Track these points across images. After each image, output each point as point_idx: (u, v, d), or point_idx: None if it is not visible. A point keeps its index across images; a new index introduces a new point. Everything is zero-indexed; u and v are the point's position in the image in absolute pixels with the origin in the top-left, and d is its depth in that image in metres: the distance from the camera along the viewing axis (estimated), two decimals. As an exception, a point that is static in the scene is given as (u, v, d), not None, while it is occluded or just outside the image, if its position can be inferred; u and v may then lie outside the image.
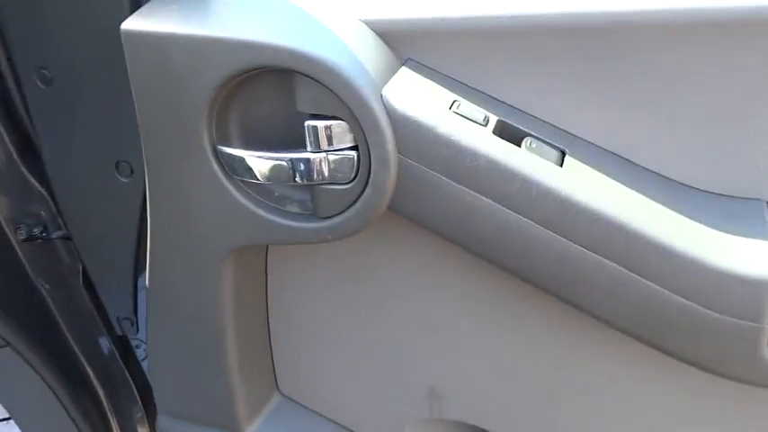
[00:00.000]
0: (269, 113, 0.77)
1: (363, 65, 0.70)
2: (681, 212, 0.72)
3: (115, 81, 0.85)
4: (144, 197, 0.94)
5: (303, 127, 0.73)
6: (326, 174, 0.74)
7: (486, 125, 0.72)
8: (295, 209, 0.80)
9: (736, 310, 0.69)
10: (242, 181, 0.79)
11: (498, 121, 0.73)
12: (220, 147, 0.77)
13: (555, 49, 0.72)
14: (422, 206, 0.75)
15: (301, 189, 0.79)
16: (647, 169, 0.75)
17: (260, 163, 0.76)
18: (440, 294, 0.87)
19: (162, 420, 1.03)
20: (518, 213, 0.71)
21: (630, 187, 0.73)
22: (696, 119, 0.72)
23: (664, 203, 0.73)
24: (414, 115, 0.71)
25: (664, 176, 0.75)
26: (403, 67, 0.75)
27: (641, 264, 0.70)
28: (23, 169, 1.03)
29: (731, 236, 0.72)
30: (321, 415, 1.02)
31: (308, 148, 0.73)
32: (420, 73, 0.75)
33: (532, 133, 0.74)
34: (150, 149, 0.81)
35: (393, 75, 0.73)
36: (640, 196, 0.72)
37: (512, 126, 0.74)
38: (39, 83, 0.92)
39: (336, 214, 0.76)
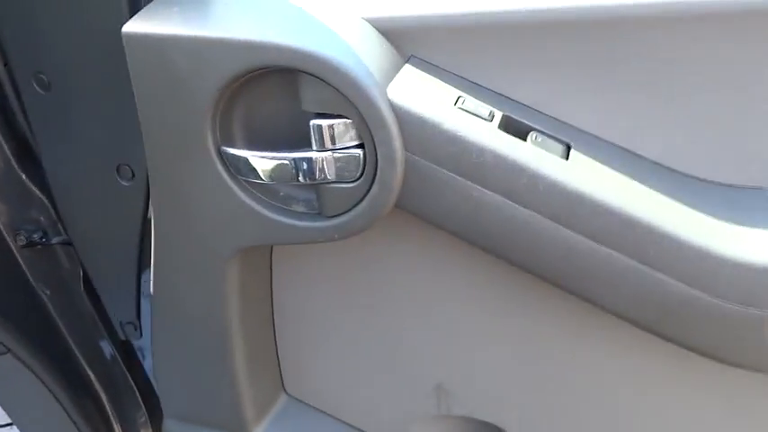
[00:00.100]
0: (273, 113, 0.76)
1: (368, 63, 0.70)
2: (685, 202, 0.73)
3: (115, 84, 0.85)
4: (146, 200, 0.94)
5: (308, 126, 0.73)
6: (332, 172, 0.74)
7: (491, 120, 0.72)
8: (301, 208, 0.80)
9: (743, 297, 0.70)
10: (247, 181, 0.78)
11: (503, 116, 0.73)
12: (224, 147, 0.77)
13: (557, 44, 0.72)
14: (428, 202, 0.75)
15: (306, 188, 0.79)
16: (651, 161, 0.75)
17: (264, 163, 0.76)
18: (446, 290, 0.87)
19: (168, 424, 1.03)
20: (526, 207, 0.71)
21: (635, 179, 0.73)
22: (699, 110, 0.72)
23: (668, 194, 0.73)
24: (420, 112, 0.71)
25: (667, 167, 0.75)
26: (406, 65, 0.75)
27: (648, 254, 0.71)
28: (22, 175, 1.02)
29: (736, 224, 0.72)
30: (328, 414, 1.02)
31: (314, 147, 0.73)
32: (423, 70, 0.75)
33: (537, 128, 0.74)
34: (153, 152, 0.81)
35: (397, 72, 0.73)
36: (645, 187, 0.73)
37: (517, 121, 0.74)
38: (37, 88, 0.92)
39: (343, 213, 0.76)
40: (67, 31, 0.87)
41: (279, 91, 0.74)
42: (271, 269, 0.93)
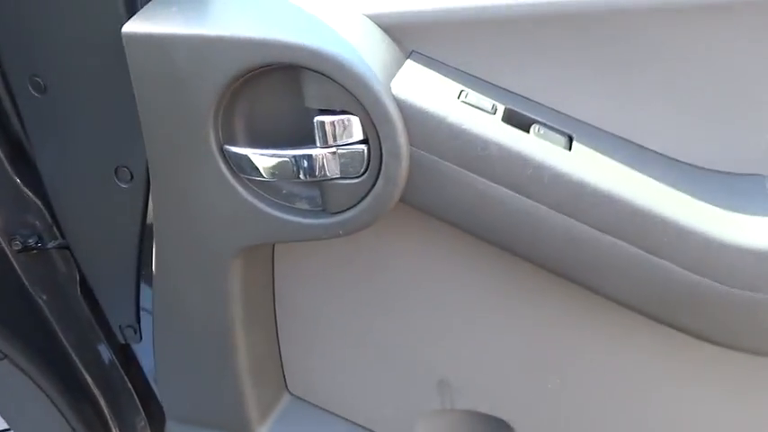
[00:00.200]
0: (276, 110, 0.77)
1: (371, 59, 0.70)
2: (687, 191, 0.74)
3: (113, 85, 0.84)
4: (145, 202, 0.93)
5: (311, 123, 0.73)
6: (336, 168, 0.74)
7: (494, 113, 0.73)
8: (304, 205, 0.80)
9: (748, 282, 0.71)
10: (249, 179, 0.78)
11: (506, 109, 0.74)
12: (227, 146, 0.77)
13: (557, 36, 0.73)
14: (433, 196, 0.75)
15: (310, 185, 0.79)
16: (652, 150, 0.76)
17: (266, 161, 0.76)
18: (449, 285, 0.88)
19: (171, 426, 1.03)
20: (531, 199, 0.72)
21: (637, 169, 0.74)
22: (699, 100, 0.73)
23: (670, 183, 0.74)
24: (423, 106, 0.71)
25: (668, 156, 0.76)
26: (408, 60, 0.75)
27: (652, 242, 0.72)
28: (17, 179, 1.01)
29: (737, 211, 0.73)
30: (332, 413, 1.02)
31: (317, 144, 0.74)
32: (425, 65, 0.75)
33: (540, 120, 0.74)
34: (154, 153, 0.80)
35: (399, 68, 0.74)
36: (647, 177, 0.74)
37: (519, 113, 0.74)
38: (32, 91, 0.91)
39: (347, 209, 0.76)
40: (63, 33, 0.86)
41: (281, 88, 0.74)
42: (273, 268, 0.92)
